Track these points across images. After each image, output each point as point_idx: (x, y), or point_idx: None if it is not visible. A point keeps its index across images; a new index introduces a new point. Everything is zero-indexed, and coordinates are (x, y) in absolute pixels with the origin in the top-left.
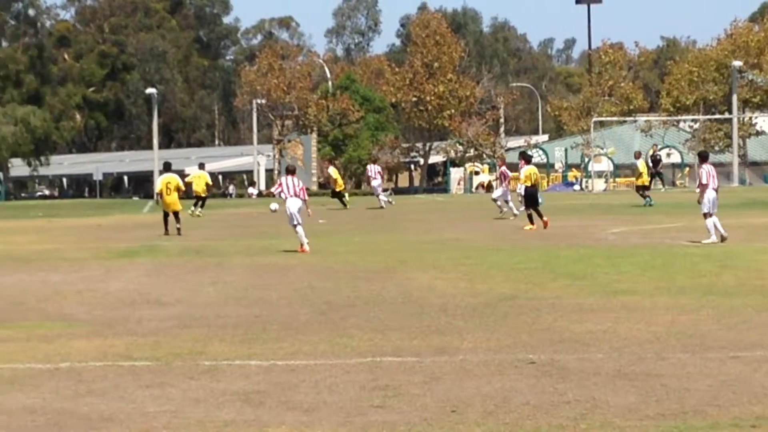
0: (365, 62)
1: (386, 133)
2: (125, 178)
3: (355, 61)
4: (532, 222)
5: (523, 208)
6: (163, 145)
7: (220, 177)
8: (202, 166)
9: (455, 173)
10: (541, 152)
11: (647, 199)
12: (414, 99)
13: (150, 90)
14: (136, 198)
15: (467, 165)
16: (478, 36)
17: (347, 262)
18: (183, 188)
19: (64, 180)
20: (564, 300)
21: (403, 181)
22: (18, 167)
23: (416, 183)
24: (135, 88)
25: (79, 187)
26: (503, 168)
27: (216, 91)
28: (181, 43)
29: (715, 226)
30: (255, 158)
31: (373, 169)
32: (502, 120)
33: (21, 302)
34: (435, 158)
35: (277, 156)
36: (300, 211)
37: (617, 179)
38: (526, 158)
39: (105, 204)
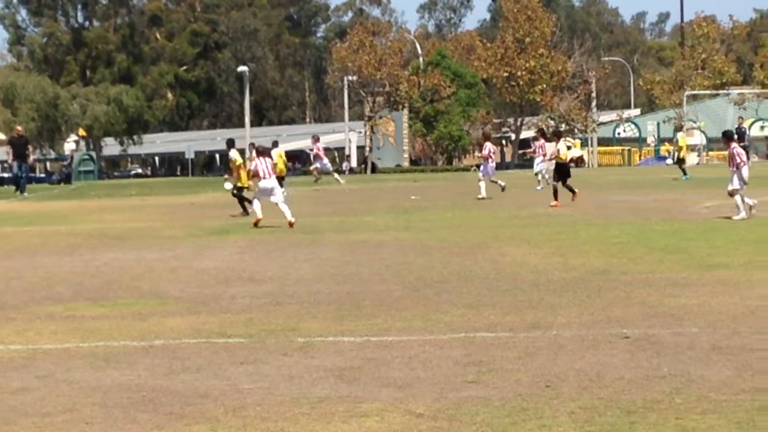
0: (456, 38)
1: (477, 108)
2: (216, 156)
3: (447, 36)
4: (556, 198)
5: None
6: (254, 123)
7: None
8: (276, 144)
9: (548, 147)
10: (632, 126)
11: (684, 175)
12: (505, 74)
13: (241, 68)
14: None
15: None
16: (569, 10)
17: (439, 238)
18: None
19: (156, 159)
20: (657, 274)
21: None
22: (111, 146)
23: (507, 158)
24: (226, 66)
25: (171, 165)
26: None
27: (307, 68)
28: (272, 21)
29: (743, 200)
30: (346, 135)
31: (489, 148)
32: (593, 94)
33: (115, 280)
34: (526, 133)
35: (368, 133)
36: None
37: (710, 153)
38: (558, 135)
39: (196, 182)
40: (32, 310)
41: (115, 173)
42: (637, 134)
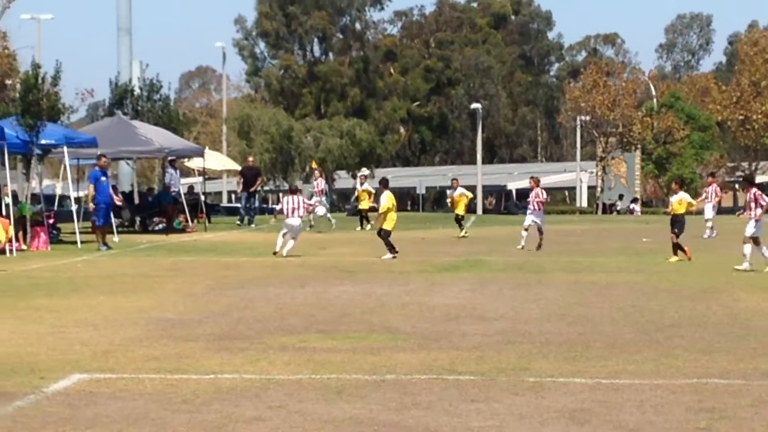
0: (691, 80)
1: (711, 151)
2: (447, 192)
3: (682, 78)
4: (676, 252)
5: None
6: (485, 160)
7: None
8: (384, 183)
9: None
10: None
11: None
12: (740, 117)
13: (474, 105)
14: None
15: None
16: None
17: (670, 281)
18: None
19: None
20: None
21: (726, 200)
22: (343, 179)
23: (740, 202)
24: (459, 102)
25: (402, 199)
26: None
27: (539, 107)
28: (506, 59)
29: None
30: (578, 175)
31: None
32: None
33: (346, 314)
34: (761, 178)
35: (599, 173)
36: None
37: None
38: (680, 184)
39: (428, 218)
40: (265, 341)
41: (347, 206)
42: None
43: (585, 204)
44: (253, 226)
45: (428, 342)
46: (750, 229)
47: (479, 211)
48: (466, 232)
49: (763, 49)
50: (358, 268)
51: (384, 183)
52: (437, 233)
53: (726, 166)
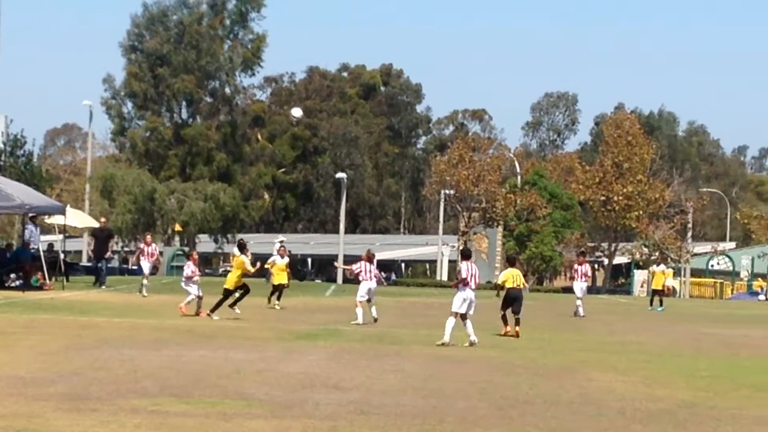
0: (556, 159)
1: (572, 230)
2: (309, 260)
3: (547, 157)
4: (506, 324)
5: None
6: (348, 230)
7: (402, 265)
8: (241, 247)
9: (639, 275)
10: (727, 259)
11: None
12: (602, 198)
13: (340, 174)
14: (318, 281)
15: (651, 267)
16: (671, 139)
17: (527, 358)
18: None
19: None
20: (745, 411)
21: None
22: (205, 243)
23: (599, 283)
24: (325, 171)
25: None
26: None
27: (404, 179)
28: (373, 129)
29: None
30: (439, 248)
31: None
32: (689, 225)
33: (201, 378)
34: (620, 259)
35: (461, 248)
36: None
37: None
38: (510, 261)
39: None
40: (117, 403)
41: (207, 271)
42: (731, 268)
43: (445, 278)
44: (103, 287)
45: (281, 410)
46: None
47: (339, 280)
48: (276, 305)
49: (626, 131)
50: (218, 333)
51: (240, 247)
52: (297, 301)
53: (586, 245)
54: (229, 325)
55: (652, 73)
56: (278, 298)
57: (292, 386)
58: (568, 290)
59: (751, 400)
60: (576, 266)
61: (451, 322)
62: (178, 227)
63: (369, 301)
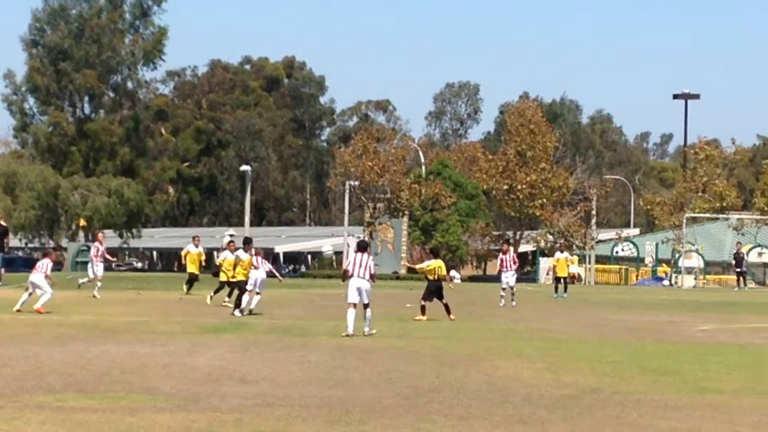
0: (460, 148)
1: (477, 219)
2: (215, 253)
3: (451, 146)
4: (423, 313)
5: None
6: (254, 223)
7: (309, 257)
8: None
9: (544, 263)
10: (631, 246)
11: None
12: (506, 187)
13: (244, 167)
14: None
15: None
16: (575, 127)
17: (434, 347)
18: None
19: (154, 253)
20: (649, 395)
21: (492, 268)
22: (110, 238)
23: None
24: (229, 164)
25: (169, 260)
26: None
27: (309, 171)
28: (277, 122)
29: None
30: (345, 239)
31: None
32: (593, 212)
33: (106, 373)
34: (525, 247)
35: (367, 238)
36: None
37: (707, 276)
38: (434, 253)
39: None
40: (22, 399)
41: (113, 266)
42: (635, 254)
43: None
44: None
45: (187, 403)
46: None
47: None
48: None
49: (529, 120)
50: (122, 328)
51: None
52: (202, 295)
53: (491, 234)
54: (134, 320)
55: (556, 62)
56: (188, 289)
57: (198, 380)
58: (476, 279)
59: (655, 384)
60: (501, 256)
61: (350, 313)
62: (82, 223)
63: (258, 293)
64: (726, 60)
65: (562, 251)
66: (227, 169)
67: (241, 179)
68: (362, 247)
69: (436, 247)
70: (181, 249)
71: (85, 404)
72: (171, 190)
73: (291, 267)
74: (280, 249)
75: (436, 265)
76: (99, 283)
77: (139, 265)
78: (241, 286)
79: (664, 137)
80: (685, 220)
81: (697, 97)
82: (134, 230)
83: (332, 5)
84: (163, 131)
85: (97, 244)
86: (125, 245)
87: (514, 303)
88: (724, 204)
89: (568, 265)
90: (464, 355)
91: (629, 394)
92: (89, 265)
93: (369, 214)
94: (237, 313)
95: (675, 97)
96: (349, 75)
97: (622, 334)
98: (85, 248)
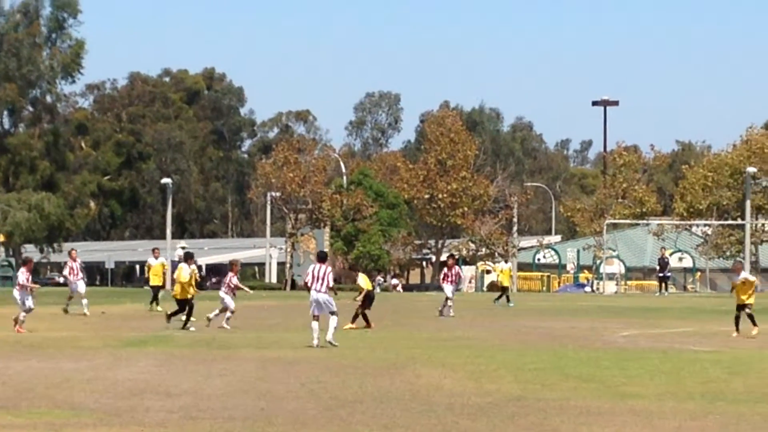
0: (381, 158)
1: (398, 229)
2: (137, 267)
3: (372, 156)
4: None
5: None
6: (176, 235)
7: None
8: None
9: (467, 271)
10: (553, 253)
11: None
12: (427, 196)
13: (165, 180)
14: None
15: (479, 263)
16: (494, 135)
17: (356, 358)
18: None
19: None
20: (572, 402)
21: (414, 277)
22: (30, 253)
23: (428, 280)
24: (150, 177)
25: (91, 274)
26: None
27: (230, 182)
28: (198, 134)
29: None
30: (267, 251)
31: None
32: (515, 219)
33: (29, 389)
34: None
35: (289, 249)
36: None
37: (628, 282)
38: (355, 269)
39: (116, 292)
40: None
41: (35, 281)
42: (557, 261)
43: (275, 280)
44: None
45: (111, 418)
46: None
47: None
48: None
49: (449, 129)
50: (45, 343)
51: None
52: (125, 308)
53: (413, 243)
54: (57, 335)
55: (476, 71)
56: (156, 303)
57: (121, 393)
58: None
59: (578, 391)
60: (445, 270)
61: (313, 324)
62: (2, 238)
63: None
64: (644, 66)
65: (507, 261)
66: (148, 181)
67: (162, 192)
68: (321, 257)
69: (355, 263)
70: (103, 263)
71: (7, 421)
72: (92, 203)
73: (214, 279)
74: (203, 261)
75: (365, 279)
76: (84, 300)
77: (61, 279)
78: (184, 305)
79: (584, 144)
80: (605, 227)
81: (616, 103)
82: (55, 244)
83: (251, 16)
84: (83, 145)
85: (70, 261)
86: (44, 260)
87: (452, 313)
88: (644, 210)
89: (511, 276)
90: (387, 365)
91: (552, 401)
92: (69, 285)
93: (291, 225)
94: (168, 322)
95: (594, 103)
96: (269, 86)
97: (544, 341)
98: (6, 263)
